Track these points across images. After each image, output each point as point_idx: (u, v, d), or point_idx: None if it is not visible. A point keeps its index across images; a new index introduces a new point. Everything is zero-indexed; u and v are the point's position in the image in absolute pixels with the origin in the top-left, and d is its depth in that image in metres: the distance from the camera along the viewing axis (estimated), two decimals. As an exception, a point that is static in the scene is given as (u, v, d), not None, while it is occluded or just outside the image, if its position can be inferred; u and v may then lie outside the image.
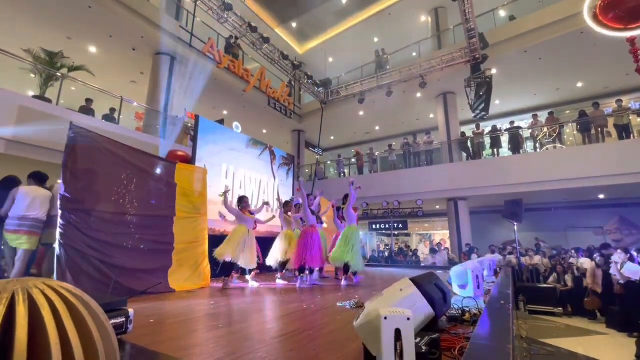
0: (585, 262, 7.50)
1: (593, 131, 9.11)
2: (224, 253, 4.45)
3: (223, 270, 4.68)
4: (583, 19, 7.79)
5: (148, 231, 4.10)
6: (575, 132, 9.86)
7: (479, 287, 2.99)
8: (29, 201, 3.94)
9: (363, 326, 1.10)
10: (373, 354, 1.10)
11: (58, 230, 3.33)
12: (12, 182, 4.20)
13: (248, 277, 4.95)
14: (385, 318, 1.00)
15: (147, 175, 4.31)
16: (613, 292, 6.29)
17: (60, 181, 3.57)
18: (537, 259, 8.90)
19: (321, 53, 14.14)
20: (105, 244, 3.60)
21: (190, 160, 6.22)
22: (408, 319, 0.99)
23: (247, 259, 4.68)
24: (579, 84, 11.08)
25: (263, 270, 5.48)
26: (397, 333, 0.99)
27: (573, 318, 7.04)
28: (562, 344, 5.12)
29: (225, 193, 4.86)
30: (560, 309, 7.35)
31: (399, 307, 1.06)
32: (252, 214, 5.02)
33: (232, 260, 4.51)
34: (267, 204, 5.69)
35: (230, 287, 4.53)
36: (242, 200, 5.01)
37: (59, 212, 3.38)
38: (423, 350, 1.47)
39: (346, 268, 4.89)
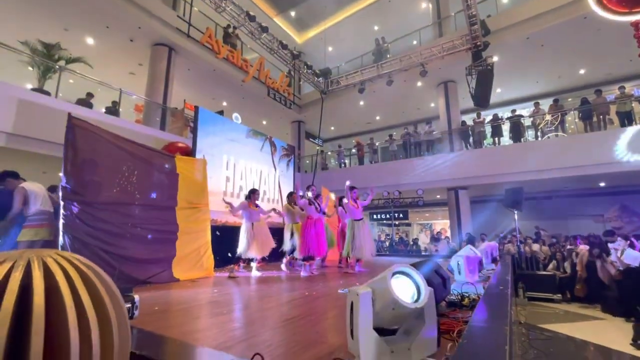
0: (584, 250, 7.55)
1: (595, 119, 9.05)
2: (246, 250, 4.81)
3: (236, 260, 4.92)
4: (586, 3, 7.66)
5: (151, 221, 4.14)
6: (577, 120, 9.79)
7: (477, 272, 3.03)
8: (42, 196, 3.97)
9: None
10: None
11: (61, 221, 3.36)
12: (11, 177, 4.20)
13: (253, 265, 5.04)
14: (349, 291, 1.20)
15: (148, 167, 4.33)
16: (598, 278, 6.44)
17: (61, 173, 3.59)
18: (536, 247, 8.95)
19: (320, 42, 13.97)
20: (108, 234, 3.64)
21: (190, 152, 6.23)
22: (357, 294, 1.15)
23: (256, 250, 4.84)
24: (582, 71, 10.96)
25: (268, 260, 5.58)
26: (352, 306, 1.16)
27: (572, 304, 7.13)
28: (560, 329, 5.20)
29: (229, 205, 4.97)
30: (559, 295, 7.43)
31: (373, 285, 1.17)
32: (257, 206, 5.12)
33: (240, 254, 4.78)
34: (275, 210, 5.74)
35: (236, 275, 4.62)
36: (253, 193, 5.15)
37: (62, 203, 3.41)
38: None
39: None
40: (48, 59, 7.23)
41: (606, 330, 5.26)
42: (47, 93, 6.63)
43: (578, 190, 11.37)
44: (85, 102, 7.42)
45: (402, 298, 1.15)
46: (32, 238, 3.78)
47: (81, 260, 0.36)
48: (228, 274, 4.68)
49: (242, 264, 5.08)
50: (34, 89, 6.61)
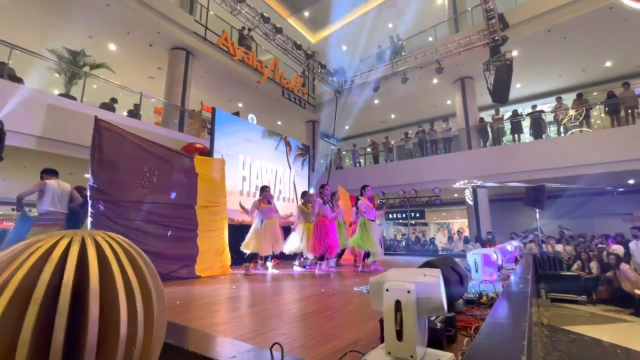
0: (618, 249, 7.25)
1: (622, 113, 8.66)
2: (247, 246, 4.83)
3: (249, 258, 4.93)
4: (612, -8, 7.37)
5: (172, 219, 4.29)
6: (602, 115, 9.40)
7: (496, 271, 2.98)
8: (58, 196, 4.24)
9: (373, 296, 1.16)
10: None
11: (89, 219, 3.54)
12: (45, 173, 4.50)
13: (269, 264, 5.13)
14: (387, 290, 1.06)
15: (168, 167, 4.48)
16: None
17: (87, 174, 3.78)
18: (559, 246, 8.66)
19: (334, 42, 13.98)
20: (132, 231, 3.80)
21: (208, 152, 6.39)
22: (408, 291, 1.02)
23: (266, 248, 4.89)
24: (608, 63, 10.49)
25: (284, 258, 5.65)
26: (397, 305, 1.04)
27: (598, 306, 6.86)
28: (586, 332, 5.02)
29: (244, 209, 5.07)
30: (585, 296, 7.16)
31: (411, 284, 1.10)
32: (269, 203, 5.15)
33: (253, 251, 4.83)
34: (292, 214, 5.82)
35: (252, 273, 4.70)
36: (263, 190, 5.16)
37: (89, 202, 3.59)
38: (438, 327, 1.52)
39: (366, 254, 5.07)
40: (74, 66, 7.58)
41: (635, 332, 5.04)
42: (73, 98, 6.96)
43: (605, 187, 10.89)
44: (109, 106, 7.74)
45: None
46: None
47: (126, 241, 0.41)
48: (244, 271, 4.77)
49: (259, 262, 5.16)
50: (61, 94, 6.95)
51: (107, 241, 0.36)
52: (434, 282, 1.09)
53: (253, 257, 4.94)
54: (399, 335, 1.01)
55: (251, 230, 4.97)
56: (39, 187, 4.23)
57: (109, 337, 0.32)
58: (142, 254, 0.40)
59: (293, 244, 5.36)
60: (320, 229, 5.05)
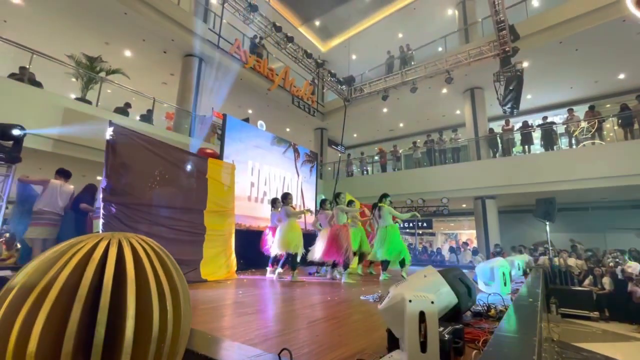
0: (634, 266, 7.06)
1: (636, 126, 8.53)
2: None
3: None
4: (624, 6, 7.32)
5: (181, 223, 4.35)
6: (615, 127, 9.26)
7: (505, 285, 2.94)
8: (56, 197, 4.37)
9: (388, 309, 1.15)
10: (397, 336, 1.15)
11: (101, 221, 3.61)
12: (58, 173, 4.63)
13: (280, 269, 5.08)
14: (410, 301, 1.05)
15: (180, 170, 4.56)
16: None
17: (100, 177, 3.88)
18: (571, 261, 8.47)
19: (344, 50, 14.13)
20: (142, 234, 3.85)
21: (218, 157, 6.48)
22: (432, 302, 1.02)
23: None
24: (621, 76, 10.37)
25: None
26: (421, 316, 1.03)
27: (610, 323, 6.67)
28: (598, 349, 4.88)
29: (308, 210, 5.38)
30: (597, 313, 6.97)
31: (423, 291, 1.10)
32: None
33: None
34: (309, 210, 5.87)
35: (299, 279, 4.73)
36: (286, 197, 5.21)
37: (101, 204, 3.67)
38: (446, 338, 1.51)
39: (384, 264, 5.09)
40: (90, 71, 7.81)
41: (650, 352, 4.88)
42: (89, 102, 7.16)
43: (618, 201, 10.67)
44: (123, 110, 7.92)
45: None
46: (37, 236, 4.17)
47: (156, 244, 0.44)
48: (291, 278, 4.71)
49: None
50: (77, 99, 7.15)
51: (140, 244, 0.39)
52: (436, 278, 1.10)
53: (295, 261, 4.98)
54: (423, 347, 1.01)
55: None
56: (42, 182, 4.37)
57: (142, 334, 0.34)
58: (170, 257, 0.43)
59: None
60: (332, 235, 4.95)
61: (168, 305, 0.38)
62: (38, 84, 6.51)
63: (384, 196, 5.35)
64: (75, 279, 0.34)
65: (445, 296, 1.18)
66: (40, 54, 6.58)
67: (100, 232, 3.59)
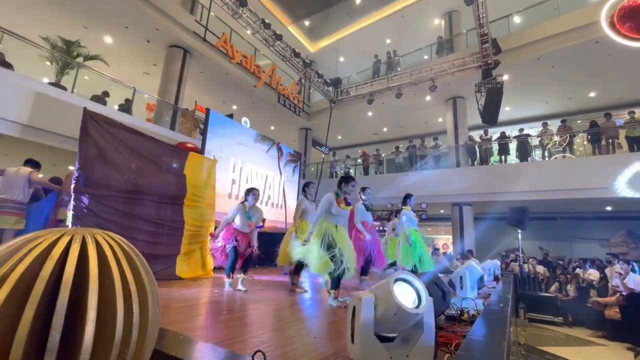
0: (594, 274, 7.47)
1: (604, 142, 9.02)
2: None
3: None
4: (599, 27, 7.75)
5: (158, 217, 4.21)
6: (585, 142, 9.77)
7: (477, 289, 3.03)
8: (9, 185, 4.15)
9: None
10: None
11: (71, 213, 3.44)
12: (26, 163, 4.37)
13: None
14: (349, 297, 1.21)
15: (160, 163, 4.42)
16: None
17: (71, 167, 3.69)
18: (540, 268, 8.85)
19: (332, 52, 14.17)
20: (116, 226, 3.70)
21: (199, 152, 6.32)
22: (360, 299, 1.19)
23: None
24: (592, 94, 10.97)
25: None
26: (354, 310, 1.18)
27: (573, 328, 7.02)
28: (561, 353, 5.12)
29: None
30: (561, 318, 7.32)
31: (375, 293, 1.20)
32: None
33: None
34: None
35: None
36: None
37: (72, 194, 3.49)
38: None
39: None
40: (67, 55, 7.43)
41: (607, 356, 5.16)
42: (64, 88, 6.81)
43: (584, 213, 11.25)
44: (100, 98, 7.60)
45: (405, 303, 1.17)
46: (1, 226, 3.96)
47: (125, 242, 0.41)
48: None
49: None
50: (51, 83, 6.78)
51: (107, 241, 0.36)
52: (386, 282, 1.19)
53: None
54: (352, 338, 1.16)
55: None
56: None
57: (104, 339, 0.32)
58: (139, 255, 0.40)
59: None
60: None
61: (134, 308, 0.36)
62: (8, 65, 6.13)
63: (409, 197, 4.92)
64: (29, 279, 0.31)
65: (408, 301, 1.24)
66: (12, 33, 6.21)
67: (70, 225, 3.42)
